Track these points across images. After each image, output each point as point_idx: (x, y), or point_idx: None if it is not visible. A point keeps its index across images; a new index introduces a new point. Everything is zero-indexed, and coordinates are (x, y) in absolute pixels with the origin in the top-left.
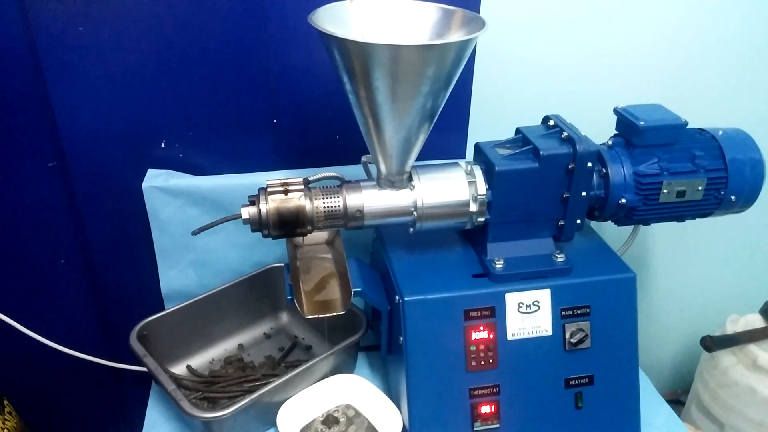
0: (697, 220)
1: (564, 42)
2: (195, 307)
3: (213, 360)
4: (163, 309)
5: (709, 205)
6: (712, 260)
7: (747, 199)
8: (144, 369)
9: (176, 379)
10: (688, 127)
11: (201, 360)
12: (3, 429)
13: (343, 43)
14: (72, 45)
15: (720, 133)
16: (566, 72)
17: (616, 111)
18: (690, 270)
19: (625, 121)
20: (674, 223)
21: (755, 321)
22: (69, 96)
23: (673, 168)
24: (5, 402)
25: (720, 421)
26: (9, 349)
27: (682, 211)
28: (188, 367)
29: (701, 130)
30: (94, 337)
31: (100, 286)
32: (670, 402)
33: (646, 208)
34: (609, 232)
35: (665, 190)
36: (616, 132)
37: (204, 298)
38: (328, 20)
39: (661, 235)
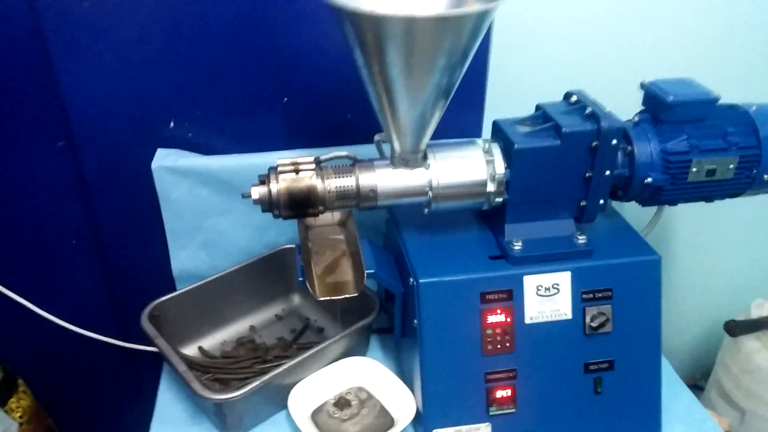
0: (722, 201)
1: (587, 13)
2: (206, 288)
3: (224, 341)
4: (174, 290)
5: (740, 184)
6: (736, 243)
7: None
8: (155, 350)
9: (187, 360)
10: (719, 102)
11: (212, 341)
12: (18, 408)
13: (354, 16)
14: (78, 22)
15: (753, 108)
16: (589, 45)
17: (643, 85)
18: (714, 252)
19: (652, 96)
20: (697, 204)
21: None
22: (76, 74)
23: (703, 145)
24: (19, 381)
25: (741, 407)
26: (22, 329)
27: (711, 190)
28: (200, 348)
29: (733, 106)
30: (107, 317)
31: (112, 266)
32: (688, 387)
33: (673, 187)
34: (630, 212)
35: (694, 169)
36: (643, 108)
37: (215, 279)
38: None
39: (683, 216)
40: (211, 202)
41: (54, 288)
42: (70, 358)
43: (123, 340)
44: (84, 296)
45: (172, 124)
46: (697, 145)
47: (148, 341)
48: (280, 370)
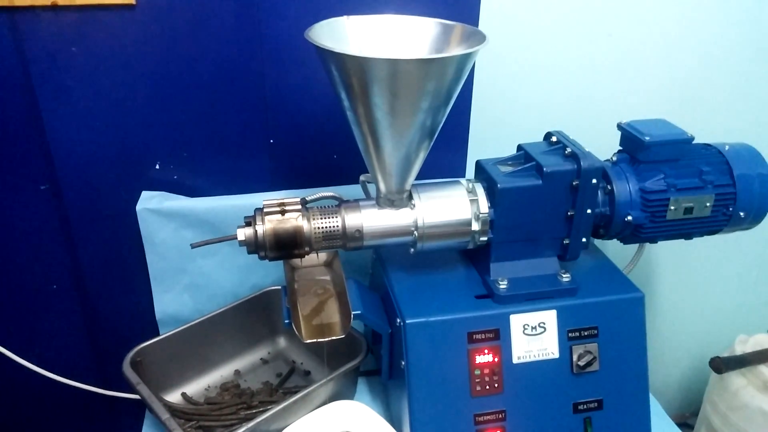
0: (702, 237)
1: (565, 58)
2: (190, 332)
3: (209, 387)
4: (157, 334)
5: (717, 221)
6: (718, 279)
7: (756, 216)
8: (137, 397)
9: (170, 407)
10: (693, 142)
11: (196, 387)
12: None
13: (340, 58)
14: (65, 65)
15: (726, 148)
16: (568, 88)
17: (620, 126)
18: (696, 289)
19: (629, 137)
20: (679, 241)
21: (764, 341)
22: (62, 117)
23: (680, 184)
24: None
25: None
26: None
27: (689, 228)
28: (183, 394)
29: (707, 145)
30: (87, 364)
31: (93, 311)
32: (678, 425)
33: (652, 225)
34: (613, 250)
35: (672, 207)
36: (621, 148)
37: (199, 322)
38: (325, 36)
39: (665, 253)
40: None
41: (33, 334)
42: (47, 407)
43: (104, 388)
44: (63, 342)
45: (157, 166)
46: (674, 183)
47: (130, 388)
48: (265, 416)
